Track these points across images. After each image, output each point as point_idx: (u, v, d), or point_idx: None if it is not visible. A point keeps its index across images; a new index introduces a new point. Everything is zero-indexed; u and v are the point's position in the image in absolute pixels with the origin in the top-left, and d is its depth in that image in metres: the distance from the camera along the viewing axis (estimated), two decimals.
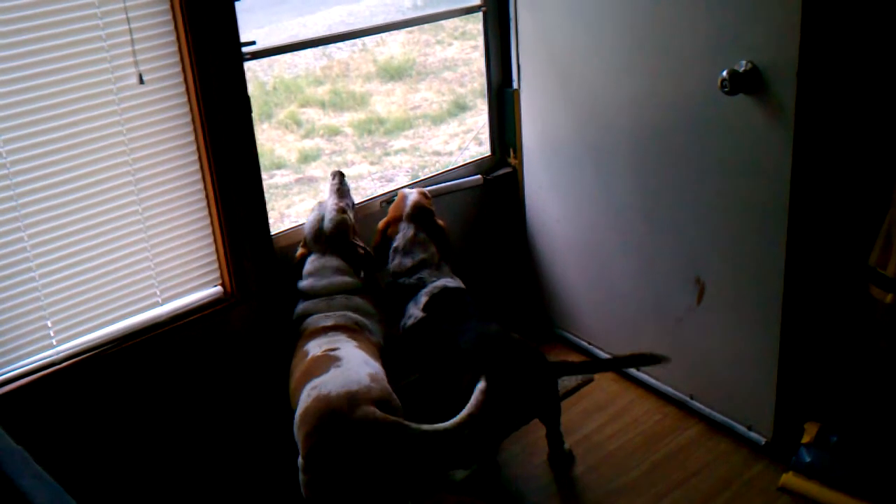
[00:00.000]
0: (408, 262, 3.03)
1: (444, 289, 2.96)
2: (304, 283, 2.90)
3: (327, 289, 2.86)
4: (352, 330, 2.76)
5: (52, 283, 2.53)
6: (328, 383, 2.44)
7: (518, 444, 3.05)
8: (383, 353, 2.81)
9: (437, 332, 2.87)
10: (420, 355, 2.95)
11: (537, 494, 2.89)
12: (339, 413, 2.36)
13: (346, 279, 2.88)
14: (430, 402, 2.93)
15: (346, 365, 2.53)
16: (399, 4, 7.03)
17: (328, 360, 2.55)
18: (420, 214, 3.07)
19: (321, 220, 2.94)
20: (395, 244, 3.06)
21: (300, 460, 2.43)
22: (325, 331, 2.74)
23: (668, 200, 2.98)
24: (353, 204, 3.08)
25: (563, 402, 3.28)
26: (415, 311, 2.94)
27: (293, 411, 2.52)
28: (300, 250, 2.97)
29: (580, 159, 3.27)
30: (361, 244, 2.95)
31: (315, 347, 2.65)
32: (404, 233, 3.05)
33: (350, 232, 2.94)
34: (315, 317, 2.81)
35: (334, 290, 2.86)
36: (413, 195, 3.12)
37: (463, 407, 2.64)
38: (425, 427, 2.42)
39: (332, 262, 2.89)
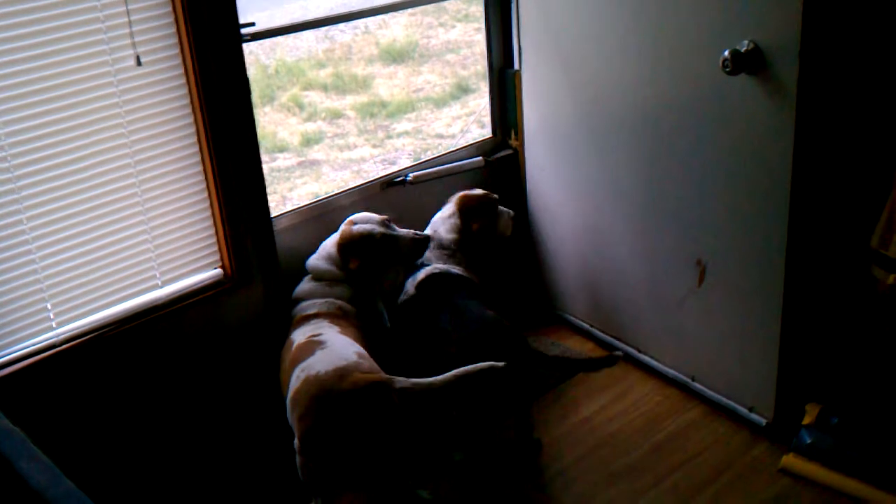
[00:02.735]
0: (429, 232, 3.15)
1: (446, 272, 2.97)
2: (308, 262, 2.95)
3: (319, 273, 2.90)
4: (335, 315, 2.78)
5: (52, 266, 2.53)
6: (316, 364, 2.46)
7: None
8: (372, 336, 2.82)
9: (423, 309, 2.91)
10: (406, 333, 2.98)
11: (536, 475, 2.89)
12: (330, 390, 2.37)
13: (332, 268, 2.89)
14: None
15: (330, 346, 2.55)
16: None
17: (313, 345, 2.57)
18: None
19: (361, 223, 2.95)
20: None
21: (296, 443, 2.43)
22: (307, 319, 2.76)
23: (669, 182, 2.97)
24: (395, 234, 2.96)
25: (563, 384, 3.29)
26: (409, 288, 3.00)
27: (284, 399, 2.53)
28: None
29: (581, 141, 3.26)
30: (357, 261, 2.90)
31: (299, 336, 2.68)
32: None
33: (366, 245, 2.89)
34: (303, 304, 2.84)
35: (319, 275, 2.89)
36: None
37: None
38: (413, 381, 2.44)
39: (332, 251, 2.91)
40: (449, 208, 3.19)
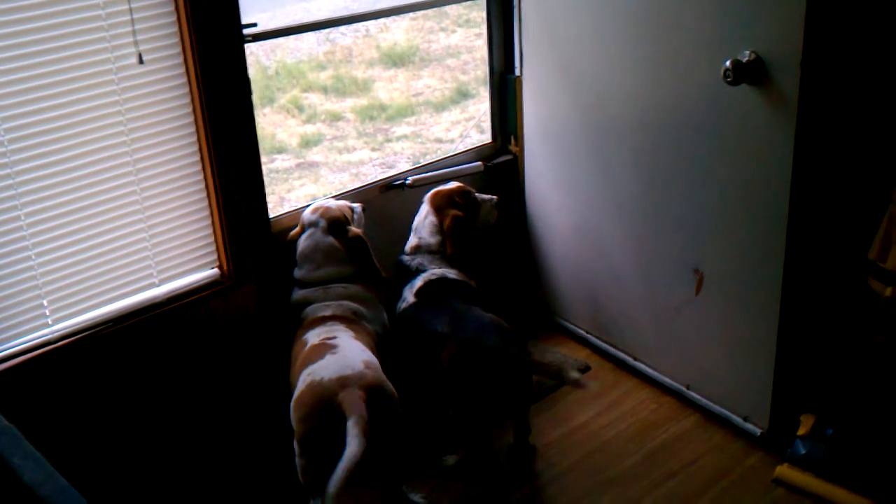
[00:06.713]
0: (414, 241, 3.10)
1: (443, 277, 2.96)
2: (299, 272, 2.90)
3: (323, 278, 2.86)
4: (349, 320, 2.76)
5: (49, 262, 2.52)
6: (322, 369, 2.45)
7: (510, 431, 3.04)
8: (381, 341, 2.81)
9: (423, 316, 2.88)
10: (407, 339, 2.96)
11: (530, 481, 2.88)
12: (331, 398, 2.36)
13: (340, 268, 2.88)
14: (416, 386, 2.96)
15: (341, 352, 2.54)
16: None
17: (324, 348, 2.57)
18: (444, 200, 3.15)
19: (327, 202, 2.98)
20: (413, 224, 3.16)
21: (295, 445, 2.43)
22: (323, 320, 2.74)
23: (668, 190, 2.97)
24: (361, 225, 3.05)
25: (558, 391, 3.29)
26: (408, 295, 2.97)
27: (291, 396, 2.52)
28: (296, 230, 2.97)
29: (581, 148, 3.26)
30: (356, 229, 2.94)
31: (314, 337, 2.67)
32: (423, 217, 3.13)
33: (348, 222, 2.95)
34: (314, 306, 2.81)
35: (329, 279, 2.86)
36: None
37: (442, 389, 2.72)
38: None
39: (326, 241, 2.88)
40: (424, 209, 3.15)
